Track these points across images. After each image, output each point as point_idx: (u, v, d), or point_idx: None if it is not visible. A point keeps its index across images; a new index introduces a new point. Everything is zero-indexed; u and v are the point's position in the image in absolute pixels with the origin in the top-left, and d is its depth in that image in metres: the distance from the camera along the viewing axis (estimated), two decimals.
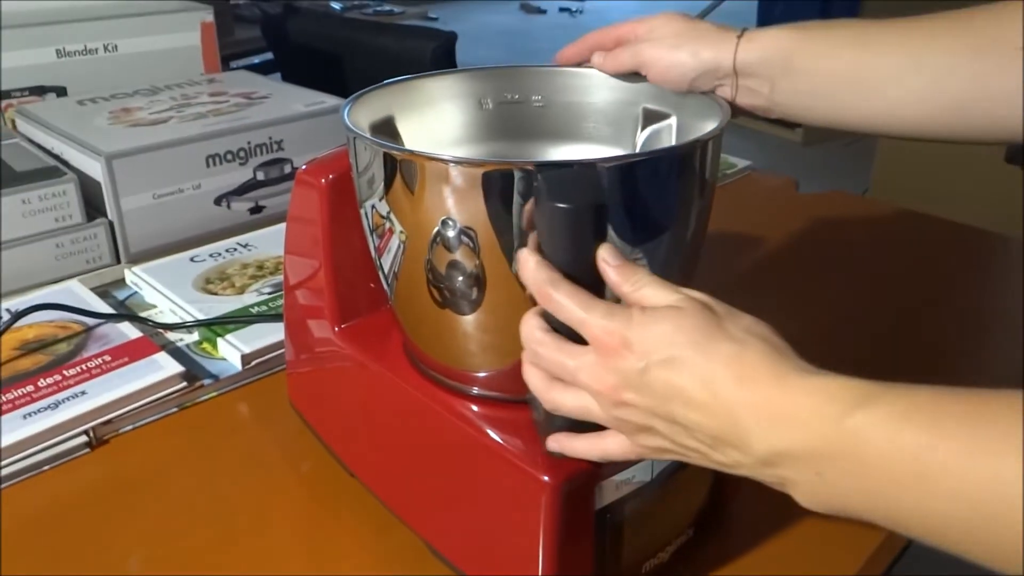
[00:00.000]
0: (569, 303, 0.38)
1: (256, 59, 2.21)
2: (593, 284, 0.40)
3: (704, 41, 0.53)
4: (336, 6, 2.47)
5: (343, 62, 1.55)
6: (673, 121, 0.57)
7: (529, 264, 0.39)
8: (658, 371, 0.36)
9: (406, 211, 0.46)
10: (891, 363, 0.74)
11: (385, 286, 0.52)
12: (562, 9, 6.59)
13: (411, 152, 0.44)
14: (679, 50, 0.53)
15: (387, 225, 0.48)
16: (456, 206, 0.43)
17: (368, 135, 0.47)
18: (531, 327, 0.40)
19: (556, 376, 0.40)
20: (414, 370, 0.52)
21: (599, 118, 0.59)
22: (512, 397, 0.49)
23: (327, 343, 0.58)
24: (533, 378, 0.41)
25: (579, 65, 0.59)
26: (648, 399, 0.36)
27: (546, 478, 0.44)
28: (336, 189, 0.55)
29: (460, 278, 0.45)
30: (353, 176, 0.50)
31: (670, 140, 0.56)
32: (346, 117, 0.48)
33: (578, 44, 0.59)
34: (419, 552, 0.53)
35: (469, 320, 0.47)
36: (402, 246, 0.48)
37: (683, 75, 0.53)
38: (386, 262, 0.50)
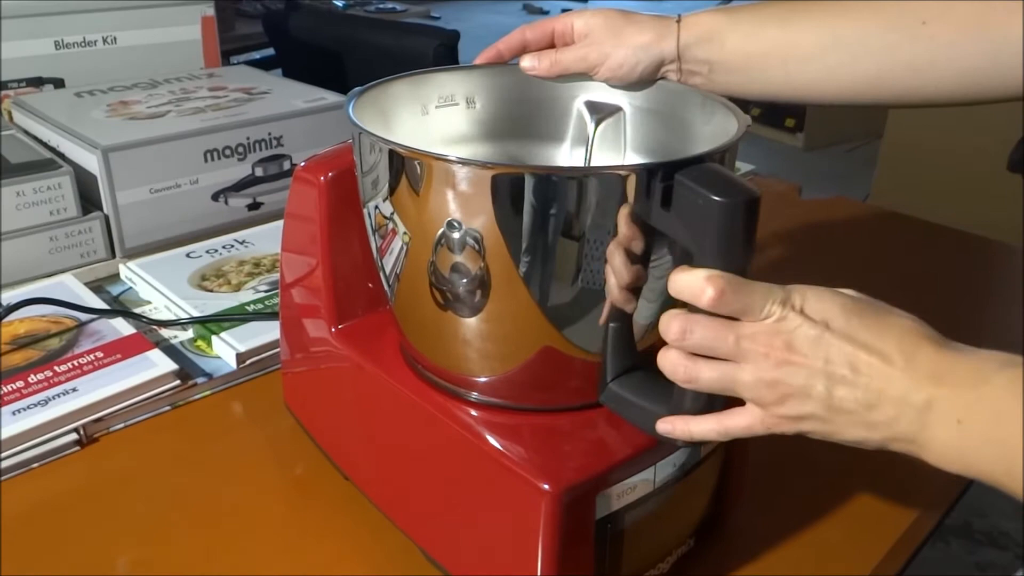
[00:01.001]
0: (744, 295, 0.38)
1: (257, 55, 2.19)
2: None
3: (646, 33, 0.55)
4: (339, 3, 2.46)
5: (344, 59, 1.54)
6: (625, 111, 0.56)
7: (696, 272, 0.38)
8: (836, 334, 0.38)
9: (410, 211, 0.45)
10: None
11: (386, 287, 0.51)
12: (564, 10, 6.57)
13: (419, 151, 0.42)
14: (624, 47, 0.55)
15: (390, 226, 0.47)
16: (462, 208, 0.42)
17: (391, 132, 0.46)
18: (676, 312, 0.40)
19: (705, 353, 0.40)
20: (412, 373, 0.51)
21: (543, 115, 0.58)
22: (512, 404, 0.48)
23: (324, 343, 0.57)
24: (671, 358, 0.40)
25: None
26: (821, 358, 0.38)
27: (546, 486, 0.43)
28: (335, 187, 0.54)
29: (464, 281, 0.44)
30: (357, 175, 0.49)
31: (622, 131, 0.56)
32: (351, 112, 0.47)
33: (505, 42, 0.58)
34: (414, 557, 0.52)
35: (471, 324, 0.46)
36: (405, 247, 0.46)
37: (632, 70, 0.55)
38: (388, 263, 0.49)
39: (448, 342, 0.48)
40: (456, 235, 0.43)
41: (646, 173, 0.41)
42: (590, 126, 0.57)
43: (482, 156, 0.57)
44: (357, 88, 0.51)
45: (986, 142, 2.40)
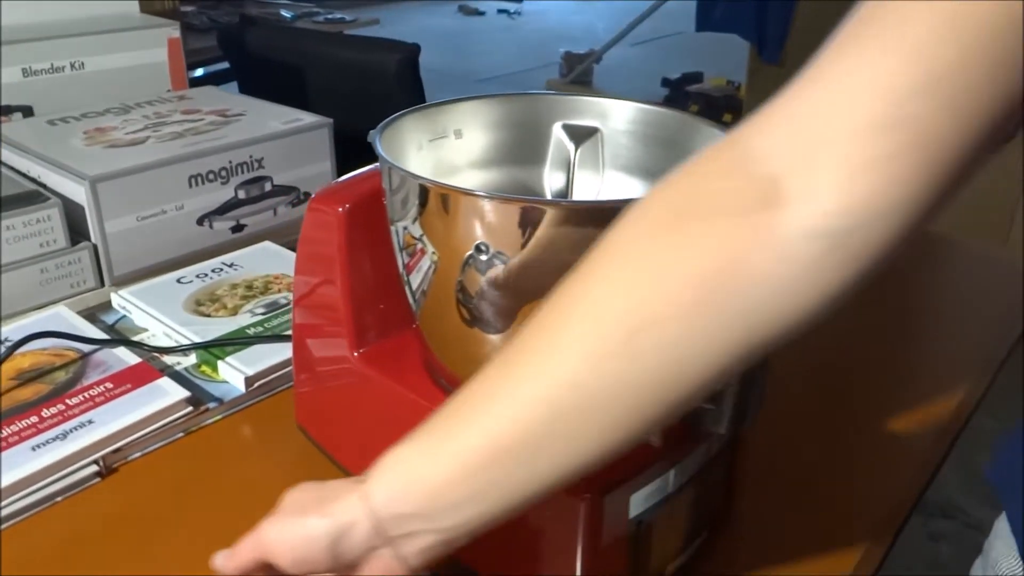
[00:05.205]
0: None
1: (215, 67, 2.17)
2: None
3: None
4: (287, 14, 2.45)
5: (304, 74, 1.55)
6: (601, 133, 0.58)
7: None
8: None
9: (439, 235, 0.48)
10: (848, 367, 0.79)
11: (412, 303, 0.53)
12: (500, 11, 6.61)
13: (448, 187, 0.45)
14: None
15: (418, 246, 0.49)
16: (489, 236, 0.45)
17: (401, 165, 0.48)
18: None
19: None
20: (440, 390, 0.54)
21: (524, 141, 0.59)
22: None
23: (344, 362, 0.59)
24: None
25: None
26: None
27: (586, 493, 0.46)
28: (353, 217, 0.56)
29: (493, 300, 0.47)
30: (385, 196, 0.51)
31: (599, 151, 0.58)
32: (379, 146, 0.49)
33: None
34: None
35: (497, 340, 0.49)
36: (433, 266, 0.49)
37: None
38: (415, 280, 0.52)
39: (474, 357, 0.50)
40: (484, 257, 0.46)
41: None
42: (570, 148, 0.59)
43: (475, 184, 0.59)
44: (392, 116, 0.53)
45: None
